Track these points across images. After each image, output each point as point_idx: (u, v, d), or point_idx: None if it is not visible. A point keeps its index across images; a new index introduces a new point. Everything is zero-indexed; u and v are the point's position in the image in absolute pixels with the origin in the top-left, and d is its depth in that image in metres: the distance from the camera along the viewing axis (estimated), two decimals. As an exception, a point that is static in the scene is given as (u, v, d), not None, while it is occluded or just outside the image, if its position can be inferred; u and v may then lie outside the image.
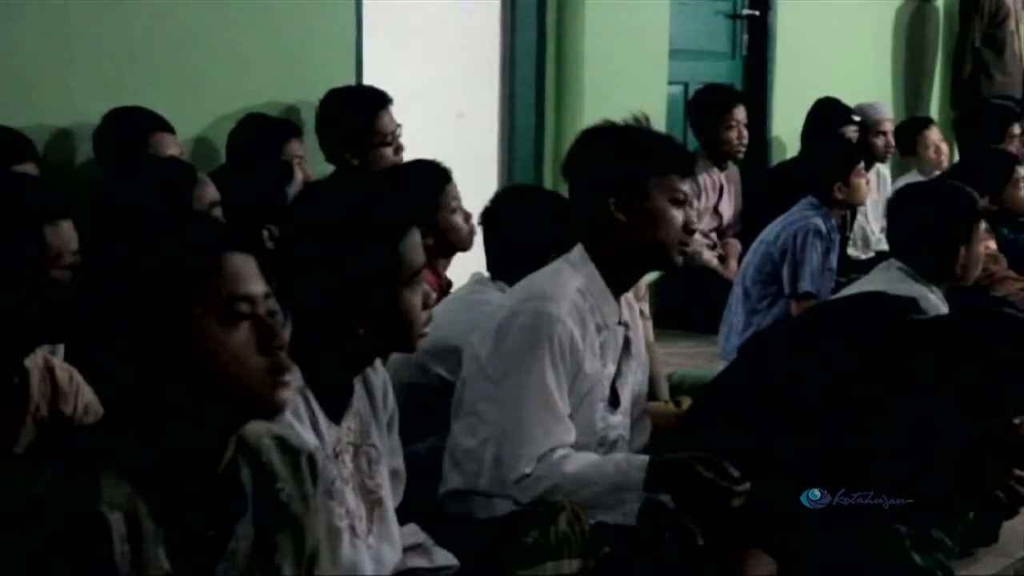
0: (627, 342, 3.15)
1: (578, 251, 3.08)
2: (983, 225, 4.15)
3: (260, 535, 1.88)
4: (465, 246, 4.21)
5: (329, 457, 2.40)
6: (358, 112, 4.89)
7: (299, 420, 2.34)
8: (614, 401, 3.12)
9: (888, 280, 3.95)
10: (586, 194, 3.09)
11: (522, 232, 3.67)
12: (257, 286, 1.81)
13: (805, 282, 5.33)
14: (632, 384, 3.19)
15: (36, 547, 1.68)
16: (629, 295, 3.20)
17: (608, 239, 3.03)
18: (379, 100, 4.95)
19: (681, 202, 3.03)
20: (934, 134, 7.75)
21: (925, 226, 4.04)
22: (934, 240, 4.01)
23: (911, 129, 7.75)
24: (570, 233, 3.65)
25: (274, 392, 1.80)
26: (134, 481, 1.75)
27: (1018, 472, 3.24)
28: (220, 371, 1.76)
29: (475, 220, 4.01)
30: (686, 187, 3.04)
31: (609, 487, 2.89)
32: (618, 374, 3.13)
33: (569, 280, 3.01)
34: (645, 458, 2.94)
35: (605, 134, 3.10)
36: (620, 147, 3.05)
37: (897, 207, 4.28)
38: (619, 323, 3.10)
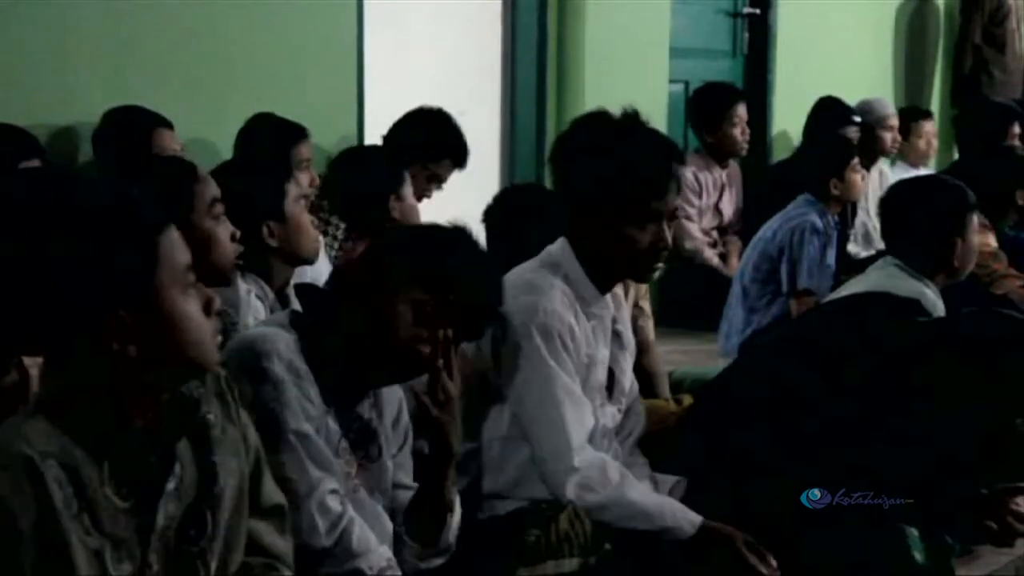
0: (617, 334, 3.14)
1: (561, 243, 3.06)
2: (976, 217, 4.12)
3: (199, 460, 1.95)
4: None
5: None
6: None
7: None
8: (613, 391, 3.12)
9: (884, 277, 3.93)
10: (563, 194, 3.07)
11: (524, 232, 3.67)
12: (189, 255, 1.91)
13: (803, 279, 5.33)
14: (628, 376, 3.20)
15: None
16: (618, 291, 3.18)
17: (581, 243, 3.01)
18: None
19: (655, 220, 2.94)
20: (929, 126, 7.77)
21: (919, 221, 4.02)
22: (928, 235, 3.99)
23: (907, 117, 7.76)
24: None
25: (216, 352, 1.96)
26: (67, 430, 1.79)
27: (1015, 506, 3.23)
28: (188, 336, 1.87)
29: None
30: (663, 205, 2.94)
31: (657, 529, 2.91)
32: (615, 364, 3.13)
33: (552, 271, 3.00)
34: (699, 518, 2.93)
35: (591, 137, 3.03)
36: (598, 162, 2.96)
37: (889, 204, 4.26)
38: (605, 310, 3.09)
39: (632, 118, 3.01)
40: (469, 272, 2.54)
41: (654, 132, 3.06)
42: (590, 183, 2.95)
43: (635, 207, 2.92)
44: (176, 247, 1.87)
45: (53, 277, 1.77)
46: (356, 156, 4.42)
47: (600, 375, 3.07)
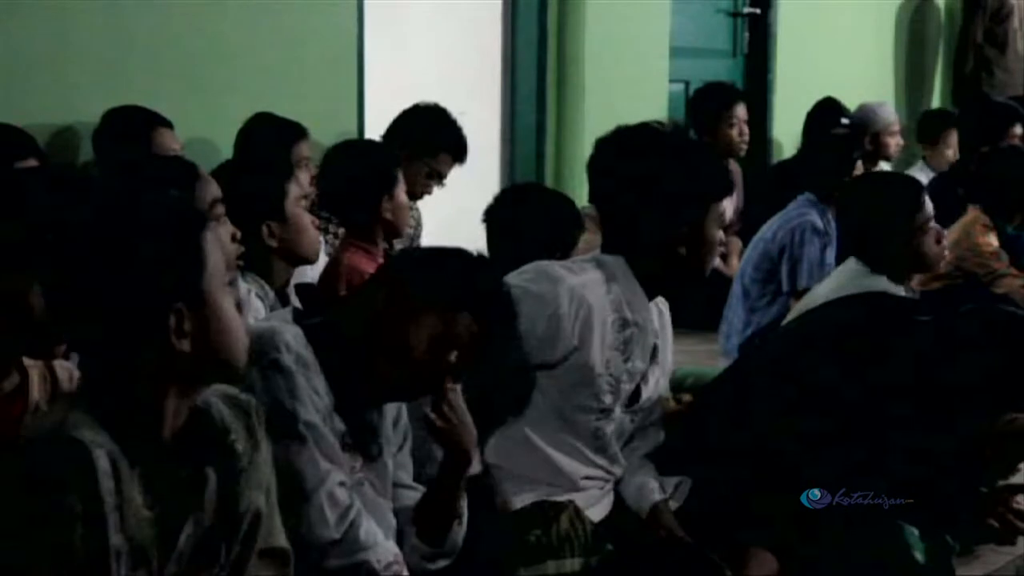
0: (654, 349, 3.13)
1: (611, 257, 3.04)
2: (927, 212, 3.98)
3: (221, 487, 1.96)
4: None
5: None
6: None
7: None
8: (632, 401, 3.11)
9: (850, 277, 3.91)
10: (643, 215, 3.01)
11: (526, 231, 3.67)
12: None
13: (804, 279, 5.31)
14: (651, 389, 3.18)
15: (25, 485, 1.74)
16: (661, 303, 3.18)
17: (654, 261, 3.02)
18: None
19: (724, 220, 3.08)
20: (956, 136, 7.67)
21: (865, 221, 3.99)
22: (877, 235, 3.93)
23: (938, 122, 7.67)
24: (574, 233, 3.64)
25: (246, 351, 1.98)
26: (107, 427, 1.82)
27: (1016, 504, 3.23)
28: (232, 334, 1.92)
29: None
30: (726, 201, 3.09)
31: None
32: (642, 377, 3.11)
33: (590, 269, 3.00)
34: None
35: (660, 152, 3.04)
36: (688, 174, 3.00)
37: (841, 207, 4.22)
38: (648, 320, 3.07)
39: (671, 134, 3.13)
40: (490, 305, 2.56)
41: (692, 141, 3.14)
42: (696, 193, 3.00)
43: (718, 209, 3.03)
44: (217, 245, 1.92)
45: (123, 277, 1.83)
46: (350, 153, 4.38)
47: (627, 386, 3.06)
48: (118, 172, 3.63)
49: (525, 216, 3.78)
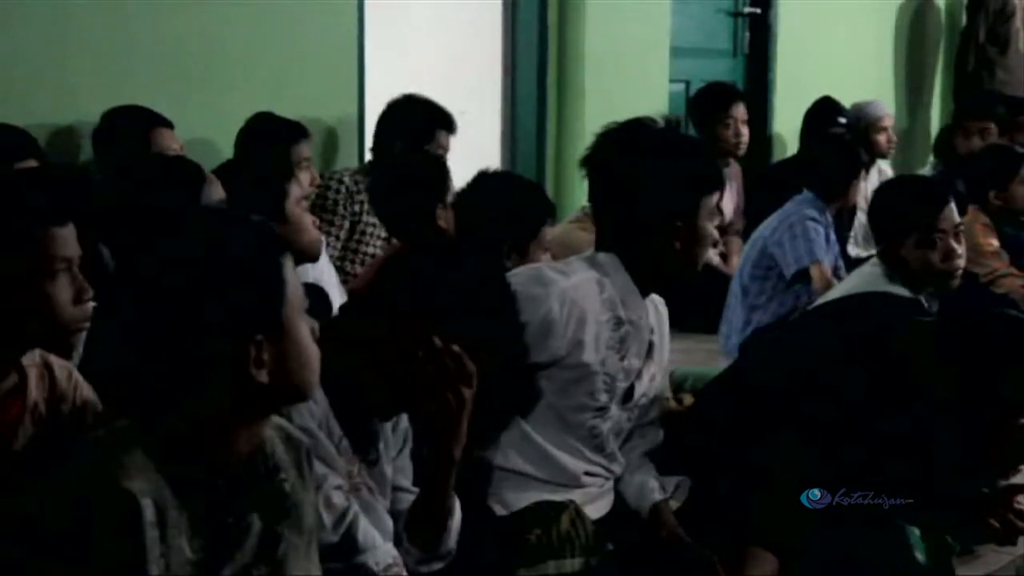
0: (650, 346, 3.13)
1: (605, 255, 3.04)
2: (944, 224, 3.89)
3: (265, 527, 1.93)
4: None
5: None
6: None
7: None
8: (627, 398, 3.11)
9: (867, 280, 3.90)
10: (637, 211, 3.02)
11: (488, 214, 3.67)
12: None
13: (818, 250, 5.21)
14: (646, 386, 3.17)
15: (66, 532, 1.71)
16: (659, 301, 3.18)
17: (649, 256, 3.02)
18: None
19: (717, 215, 3.08)
20: None
21: (887, 227, 3.98)
22: (893, 243, 3.90)
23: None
24: (540, 219, 3.65)
25: (317, 380, 1.95)
26: (161, 468, 1.78)
27: (1016, 504, 3.23)
28: (307, 363, 1.89)
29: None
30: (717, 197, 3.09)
31: None
32: (637, 375, 3.11)
33: (583, 270, 3.00)
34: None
35: (650, 147, 3.05)
36: (680, 170, 3.01)
37: (871, 209, 4.21)
38: (643, 317, 3.07)
39: (662, 129, 3.10)
40: (496, 325, 2.55)
41: (682, 136, 3.17)
42: (688, 186, 3.00)
43: (711, 202, 3.04)
44: (294, 272, 1.88)
45: (208, 309, 1.79)
46: (405, 162, 4.43)
47: (611, 382, 3.06)
48: (122, 173, 3.63)
49: (491, 203, 3.78)
